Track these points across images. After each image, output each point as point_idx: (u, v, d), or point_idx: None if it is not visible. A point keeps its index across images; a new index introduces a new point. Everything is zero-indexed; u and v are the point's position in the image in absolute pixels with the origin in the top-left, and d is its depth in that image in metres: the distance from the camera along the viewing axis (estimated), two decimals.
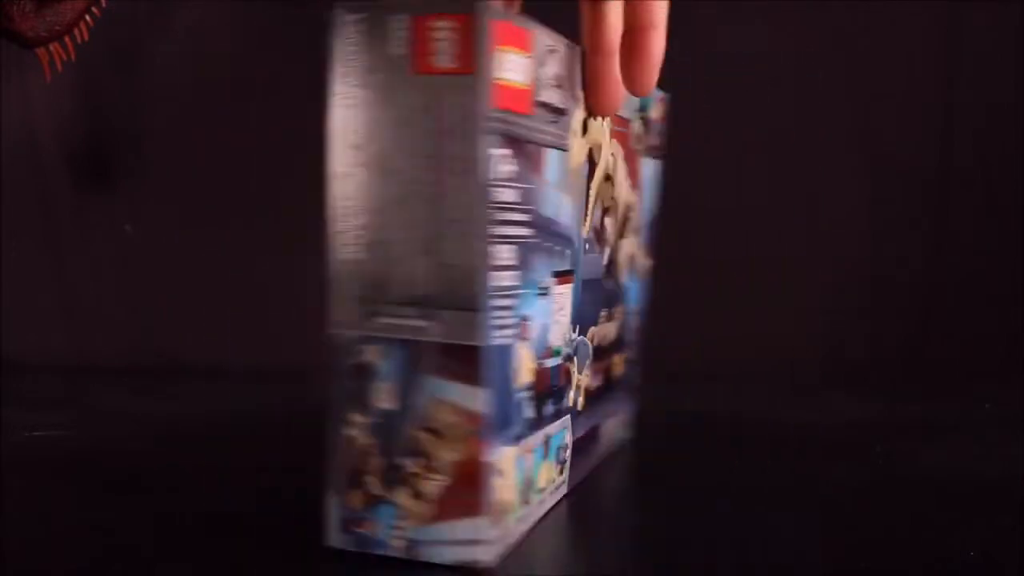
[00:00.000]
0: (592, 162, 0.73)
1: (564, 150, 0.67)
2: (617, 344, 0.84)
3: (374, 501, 0.60)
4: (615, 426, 0.86)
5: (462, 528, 0.58)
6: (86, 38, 1.04)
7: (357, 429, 0.60)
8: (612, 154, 0.77)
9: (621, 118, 0.78)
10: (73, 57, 1.04)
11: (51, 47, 1.04)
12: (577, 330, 0.73)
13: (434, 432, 0.58)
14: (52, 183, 1.29)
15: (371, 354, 0.59)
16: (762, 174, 1.31)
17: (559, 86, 0.65)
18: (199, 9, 1.21)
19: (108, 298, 1.29)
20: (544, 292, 0.65)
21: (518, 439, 0.63)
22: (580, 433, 0.75)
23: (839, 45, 1.28)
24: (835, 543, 0.72)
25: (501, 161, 0.58)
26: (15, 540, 0.68)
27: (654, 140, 0.87)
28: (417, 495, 0.59)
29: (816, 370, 1.25)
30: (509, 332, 0.60)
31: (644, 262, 0.87)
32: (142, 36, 1.24)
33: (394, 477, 0.59)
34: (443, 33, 0.56)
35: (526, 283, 0.62)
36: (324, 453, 0.61)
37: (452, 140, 0.57)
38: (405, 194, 0.58)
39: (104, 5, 1.04)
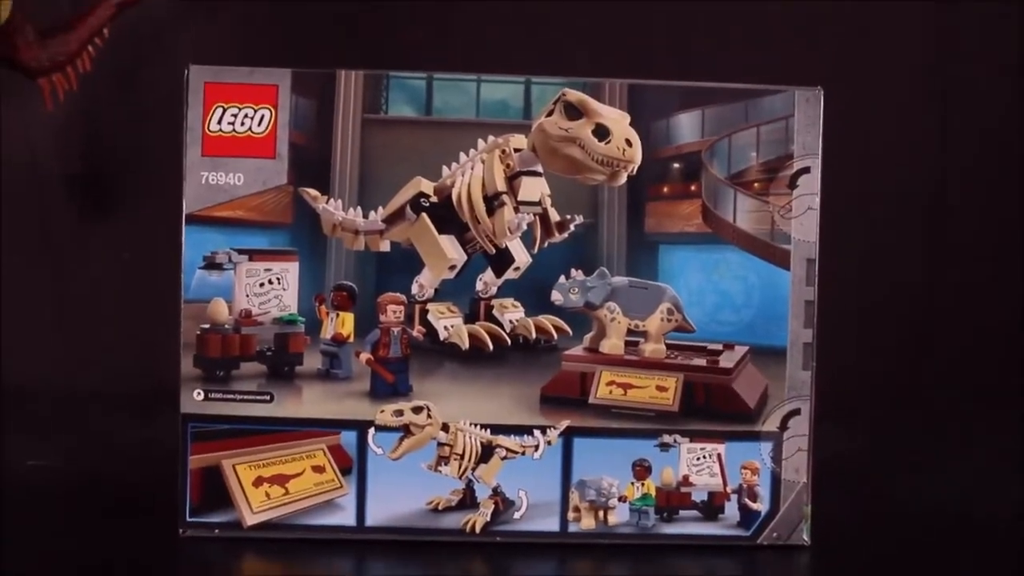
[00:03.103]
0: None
1: None
2: None
3: None
4: None
5: None
6: (88, 68, 1.05)
7: None
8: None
9: None
10: (76, 87, 1.05)
11: (53, 77, 1.04)
12: None
13: None
14: (52, 208, 1.29)
15: None
16: None
17: None
18: (199, 31, 1.21)
19: (107, 324, 1.28)
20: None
21: None
22: None
23: (836, 48, 1.27)
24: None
25: None
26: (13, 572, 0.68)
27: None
28: None
29: None
30: None
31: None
32: (142, 60, 1.24)
33: None
34: None
35: None
36: None
37: None
38: None
39: (107, 36, 1.05)
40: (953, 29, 1.32)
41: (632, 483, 0.84)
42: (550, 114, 0.82)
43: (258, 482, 0.82)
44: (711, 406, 0.84)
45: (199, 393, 0.83)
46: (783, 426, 0.85)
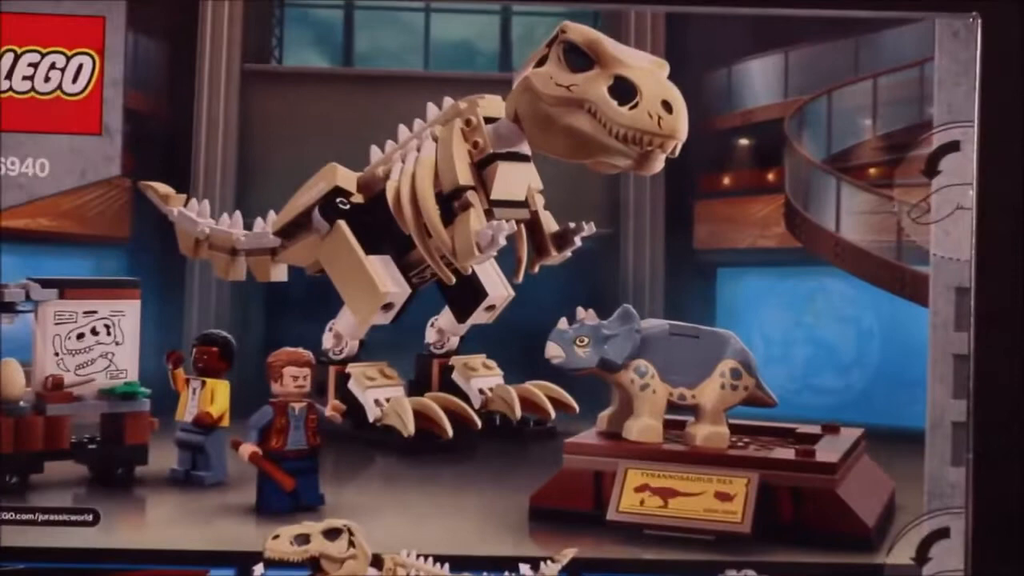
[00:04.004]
0: None
1: None
2: None
3: None
4: None
5: None
6: None
7: None
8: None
9: None
10: None
11: None
12: None
13: None
14: None
15: None
16: None
17: None
18: None
19: None
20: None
21: None
22: None
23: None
24: None
25: None
26: None
27: None
28: None
29: None
30: None
31: None
32: None
33: None
34: None
35: None
36: None
37: None
38: None
39: None
40: None
41: None
42: (542, 62, 0.68)
43: None
44: (805, 524, 0.69)
45: None
46: (921, 556, 0.70)
